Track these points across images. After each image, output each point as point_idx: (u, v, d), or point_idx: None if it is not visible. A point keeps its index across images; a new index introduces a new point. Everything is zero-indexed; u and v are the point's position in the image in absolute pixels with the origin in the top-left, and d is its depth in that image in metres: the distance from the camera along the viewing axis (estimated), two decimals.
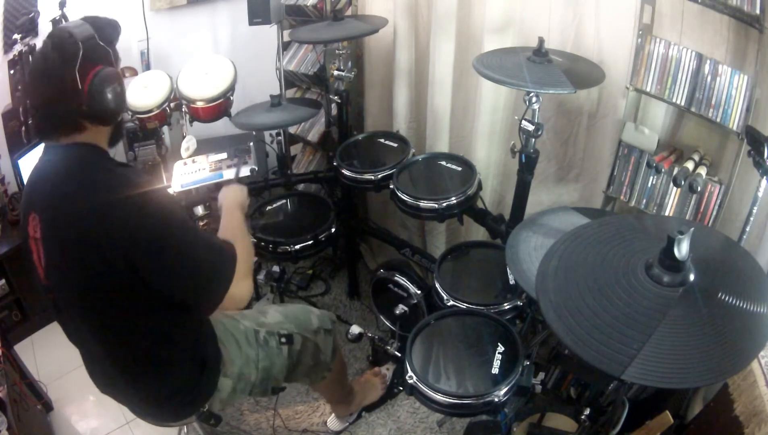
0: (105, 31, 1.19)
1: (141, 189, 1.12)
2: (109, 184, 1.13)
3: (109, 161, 1.22)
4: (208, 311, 1.28)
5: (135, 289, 1.15)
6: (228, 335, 1.48)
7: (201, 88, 2.29)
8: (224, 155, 2.32)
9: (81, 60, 1.10)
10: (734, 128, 1.49)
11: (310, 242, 2.03)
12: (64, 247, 1.15)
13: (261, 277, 2.56)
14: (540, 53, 1.58)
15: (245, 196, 1.60)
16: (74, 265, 1.15)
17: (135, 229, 1.09)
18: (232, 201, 1.52)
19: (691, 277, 0.95)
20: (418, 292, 1.99)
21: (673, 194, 1.66)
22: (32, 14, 2.49)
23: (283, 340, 1.58)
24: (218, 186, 2.23)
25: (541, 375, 1.48)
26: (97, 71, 1.13)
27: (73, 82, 1.10)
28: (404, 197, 1.87)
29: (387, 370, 2.25)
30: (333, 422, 2.12)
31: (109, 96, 1.14)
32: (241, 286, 1.24)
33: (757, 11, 1.37)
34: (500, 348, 1.47)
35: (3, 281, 2.50)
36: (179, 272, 1.17)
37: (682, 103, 1.59)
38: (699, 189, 1.55)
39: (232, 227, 1.40)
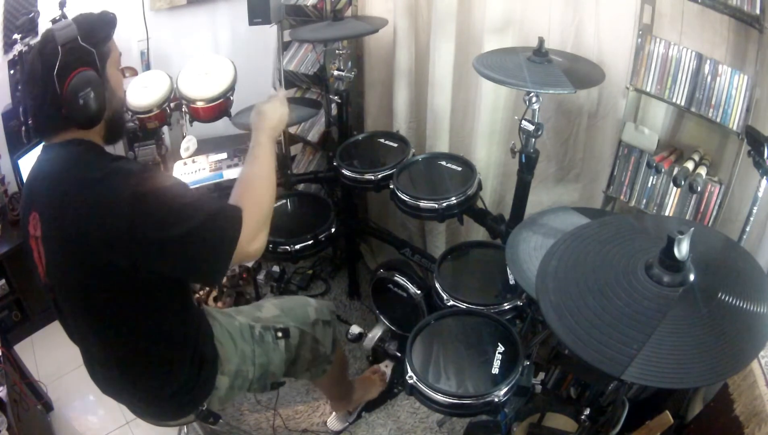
0: (94, 28, 1.17)
1: (137, 180, 1.10)
2: (107, 181, 1.12)
3: (105, 157, 1.21)
4: (213, 284, 1.25)
5: (135, 288, 1.15)
6: (224, 333, 1.48)
7: (201, 88, 2.29)
8: (224, 155, 2.33)
9: (60, 65, 1.09)
10: (734, 128, 1.49)
11: (310, 242, 2.03)
12: (64, 246, 1.15)
13: (261, 277, 2.56)
14: (540, 53, 1.58)
15: (279, 114, 1.47)
16: (74, 264, 1.15)
17: (135, 226, 1.08)
18: (262, 128, 1.40)
19: (691, 277, 0.95)
20: (418, 292, 1.99)
21: (673, 194, 1.66)
22: (32, 14, 2.49)
23: (279, 334, 1.57)
24: (218, 186, 2.25)
25: (541, 375, 1.48)
26: (74, 76, 1.11)
27: (52, 88, 1.10)
28: (404, 197, 1.86)
29: (386, 367, 2.25)
30: (333, 422, 2.12)
31: (83, 101, 1.12)
32: (251, 246, 1.18)
33: (757, 11, 1.38)
34: (500, 348, 1.47)
35: (3, 281, 2.50)
36: (182, 258, 1.14)
37: (682, 103, 1.59)
38: (699, 189, 1.56)
39: (252, 174, 1.30)
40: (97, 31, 1.18)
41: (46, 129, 1.19)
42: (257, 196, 1.25)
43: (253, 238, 1.19)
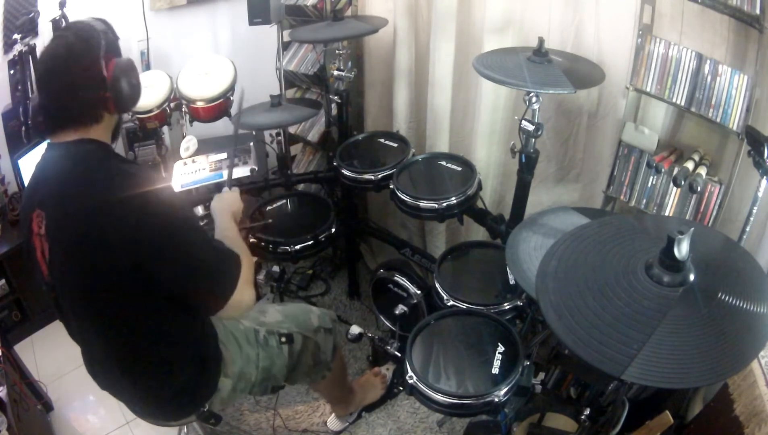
0: (109, 26, 1.25)
1: (147, 186, 1.13)
2: (116, 181, 1.13)
3: (115, 158, 1.23)
4: (212, 312, 1.28)
5: (138, 288, 1.16)
6: (228, 335, 1.48)
7: (201, 88, 2.29)
8: (224, 155, 2.32)
9: (104, 50, 1.16)
10: (734, 128, 1.49)
11: (310, 242, 2.03)
12: (69, 244, 1.15)
13: (261, 277, 2.56)
14: (540, 53, 1.58)
15: (238, 203, 1.57)
16: (79, 263, 1.15)
17: (141, 227, 1.10)
18: (224, 211, 1.50)
19: (691, 277, 0.95)
20: (418, 292, 1.99)
21: (673, 194, 1.66)
22: (32, 14, 2.49)
23: (284, 339, 1.58)
24: (218, 186, 2.25)
25: (541, 375, 1.48)
26: (117, 61, 1.20)
27: (99, 70, 1.15)
28: (404, 197, 1.87)
29: (387, 370, 2.25)
30: (333, 422, 2.12)
31: (128, 84, 1.21)
32: (245, 293, 1.24)
33: (757, 11, 1.38)
34: (500, 348, 1.47)
35: (3, 281, 2.50)
36: (185, 270, 1.17)
37: (682, 103, 1.59)
38: (699, 189, 1.56)
39: (230, 238, 1.39)
40: (113, 31, 1.26)
41: (76, 117, 1.18)
42: (245, 254, 1.31)
43: (247, 285, 1.25)
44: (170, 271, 1.16)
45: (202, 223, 2.19)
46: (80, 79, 1.15)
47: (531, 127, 1.59)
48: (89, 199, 1.12)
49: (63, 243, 1.16)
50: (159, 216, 1.13)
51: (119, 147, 2.65)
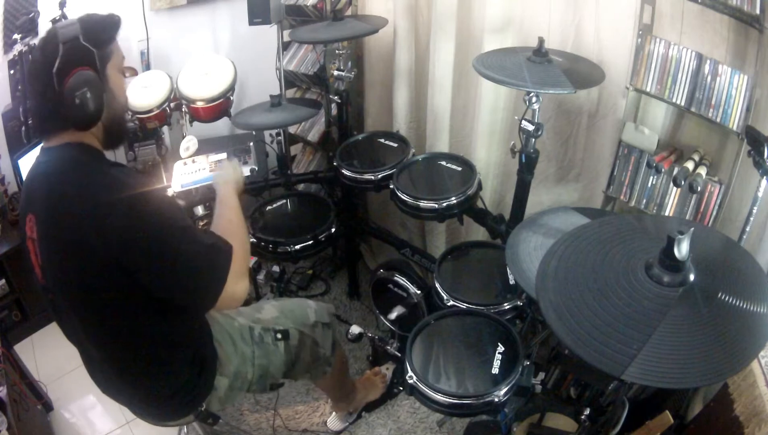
0: (98, 29, 1.17)
1: (135, 191, 1.11)
2: (104, 186, 1.12)
3: (104, 162, 1.21)
4: (204, 311, 1.27)
5: (131, 290, 1.15)
6: (223, 334, 1.48)
7: (201, 88, 2.29)
8: (224, 155, 2.32)
9: (60, 61, 1.08)
10: (734, 128, 1.49)
11: (310, 242, 2.03)
12: (59, 248, 1.15)
13: (261, 277, 2.56)
14: (540, 53, 1.58)
15: (239, 174, 1.54)
16: (70, 266, 1.15)
17: (128, 232, 1.09)
18: (226, 184, 1.46)
19: (691, 277, 0.95)
20: (418, 292, 1.99)
21: (673, 194, 1.66)
22: (32, 14, 2.50)
23: (279, 335, 1.57)
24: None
25: (541, 375, 1.48)
26: (74, 74, 1.10)
27: (51, 85, 1.09)
28: (404, 197, 1.87)
29: (387, 369, 2.25)
30: (333, 422, 2.12)
31: (79, 100, 1.10)
32: (237, 286, 1.21)
33: (757, 11, 1.37)
34: (500, 348, 1.47)
35: (3, 281, 2.51)
36: (173, 274, 1.15)
37: (682, 103, 1.58)
38: (699, 189, 1.55)
39: (228, 219, 1.36)
40: (100, 31, 1.17)
41: (45, 128, 1.19)
42: (240, 241, 1.28)
43: (239, 277, 1.22)
44: (158, 275, 1.14)
45: (202, 224, 2.19)
46: (38, 93, 1.13)
47: (531, 127, 1.59)
48: (78, 202, 1.11)
49: (52, 247, 1.16)
50: (146, 221, 1.11)
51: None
